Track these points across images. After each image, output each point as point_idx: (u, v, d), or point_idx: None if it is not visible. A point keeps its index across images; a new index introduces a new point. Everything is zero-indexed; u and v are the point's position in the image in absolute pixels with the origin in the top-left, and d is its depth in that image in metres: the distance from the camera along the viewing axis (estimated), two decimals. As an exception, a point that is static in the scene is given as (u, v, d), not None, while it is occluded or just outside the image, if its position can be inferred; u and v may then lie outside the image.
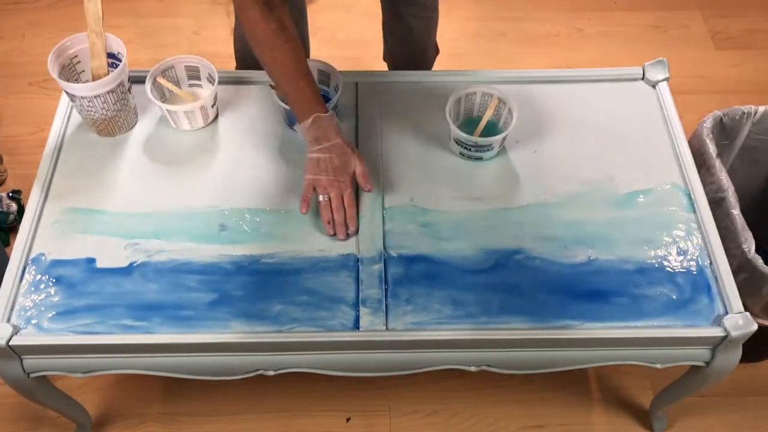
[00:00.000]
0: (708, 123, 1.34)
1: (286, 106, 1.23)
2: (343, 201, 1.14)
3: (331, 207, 1.14)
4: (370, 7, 2.21)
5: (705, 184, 1.23)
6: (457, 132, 1.20)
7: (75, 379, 1.40)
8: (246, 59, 1.51)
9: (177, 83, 1.30)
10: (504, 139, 1.22)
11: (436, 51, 1.65)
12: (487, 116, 1.25)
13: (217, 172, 1.23)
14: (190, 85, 1.31)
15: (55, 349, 1.05)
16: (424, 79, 1.37)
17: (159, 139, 1.27)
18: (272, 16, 1.08)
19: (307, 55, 1.57)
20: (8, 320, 1.05)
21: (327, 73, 1.29)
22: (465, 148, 1.22)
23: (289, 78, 1.12)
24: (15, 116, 1.93)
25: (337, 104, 1.26)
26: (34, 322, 1.06)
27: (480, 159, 1.24)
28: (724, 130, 1.39)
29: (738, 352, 1.10)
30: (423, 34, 1.56)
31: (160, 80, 1.26)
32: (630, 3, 2.25)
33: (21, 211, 1.70)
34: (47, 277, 1.10)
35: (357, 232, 1.15)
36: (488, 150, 1.23)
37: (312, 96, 1.12)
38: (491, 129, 1.25)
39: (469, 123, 1.26)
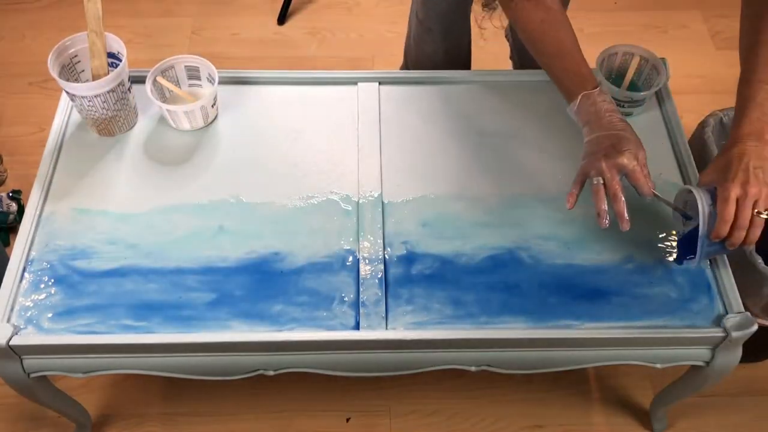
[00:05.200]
0: (708, 123, 1.34)
1: None
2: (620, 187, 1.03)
3: (606, 194, 1.04)
4: (370, 7, 2.22)
5: (705, 184, 1.23)
6: (610, 87, 1.24)
7: (75, 379, 1.40)
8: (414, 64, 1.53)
9: (177, 83, 1.30)
10: (653, 94, 1.29)
11: None
12: (631, 73, 1.29)
13: (217, 172, 1.23)
14: (190, 85, 1.31)
15: (55, 349, 1.05)
16: (423, 78, 1.37)
17: (159, 139, 1.27)
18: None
19: (468, 66, 1.58)
20: (8, 320, 1.05)
21: None
22: (617, 104, 1.22)
23: (551, 55, 1.09)
24: (15, 116, 1.93)
25: None
26: (34, 322, 1.06)
27: (630, 114, 1.28)
28: (724, 130, 1.39)
29: (738, 352, 1.10)
30: None
31: (160, 80, 1.26)
32: (630, 3, 2.25)
33: (21, 211, 1.70)
34: (47, 277, 1.10)
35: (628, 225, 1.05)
36: (639, 105, 1.28)
37: (575, 73, 1.08)
38: (632, 87, 1.29)
39: (611, 83, 1.29)
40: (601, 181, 1.04)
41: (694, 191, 1.04)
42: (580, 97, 1.09)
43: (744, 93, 1.04)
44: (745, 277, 1.21)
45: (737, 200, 0.99)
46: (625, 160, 1.03)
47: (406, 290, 1.10)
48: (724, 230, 1.00)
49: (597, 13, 2.21)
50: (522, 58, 1.67)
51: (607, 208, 1.05)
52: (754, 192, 0.99)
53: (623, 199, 1.04)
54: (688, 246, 1.07)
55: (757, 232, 1.00)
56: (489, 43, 2.10)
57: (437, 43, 1.50)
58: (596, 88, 1.09)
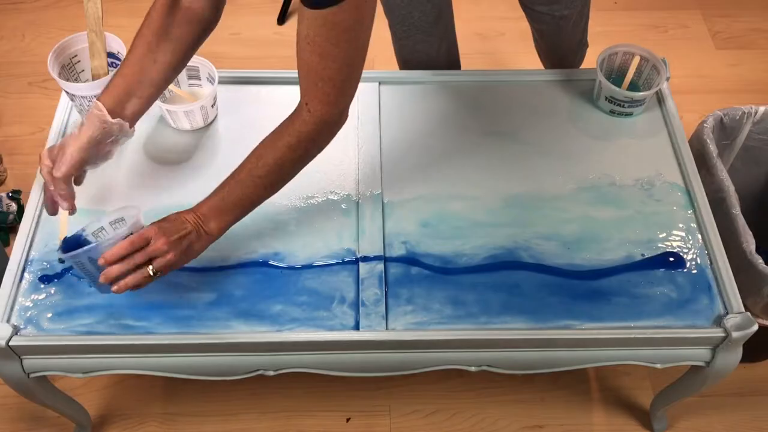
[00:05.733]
0: (708, 123, 1.34)
1: None
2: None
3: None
4: (370, 7, 2.21)
5: (705, 184, 1.23)
6: (610, 87, 1.26)
7: (75, 379, 1.40)
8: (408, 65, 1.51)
9: (177, 83, 1.30)
10: (654, 94, 1.31)
11: (585, 45, 1.61)
12: (631, 73, 1.30)
13: (216, 172, 1.22)
14: (190, 85, 1.31)
15: (55, 349, 1.05)
16: (423, 78, 1.37)
17: (159, 139, 1.27)
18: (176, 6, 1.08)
19: (457, 66, 1.55)
20: (8, 320, 1.05)
21: None
22: (617, 104, 1.28)
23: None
24: (15, 116, 1.93)
25: None
26: (34, 322, 1.06)
27: (630, 114, 1.29)
28: (725, 130, 1.39)
29: (738, 352, 1.10)
30: (559, 32, 1.50)
31: (160, 80, 1.26)
32: (630, 3, 2.25)
33: (21, 211, 1.70)
34: (47, 277, 1.10)
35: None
36: (640, 105, 1.29)
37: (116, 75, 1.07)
38: (632, 87, 1.31)
39: (611, 83, 1.29)
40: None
41: (132, 211, 1.03)
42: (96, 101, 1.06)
43: (226, 179, 1.03)
44: (745, 277, 1.21)
45: (144, 243, 0.96)
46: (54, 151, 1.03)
47: (406, 290, 1.10)
48: (112, 256, 0.95)
49: (597, 13, 2.20)
50: (543, 55, 1.64)
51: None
52: (159, 248, 0.96)
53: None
54: (72, 243, 1.01)
55: (136, 280, 0.96)
56: (488, 42, 2.11)
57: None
58: (98, 99, 1.06)
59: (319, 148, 1.03)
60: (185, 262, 1.01)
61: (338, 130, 1.02)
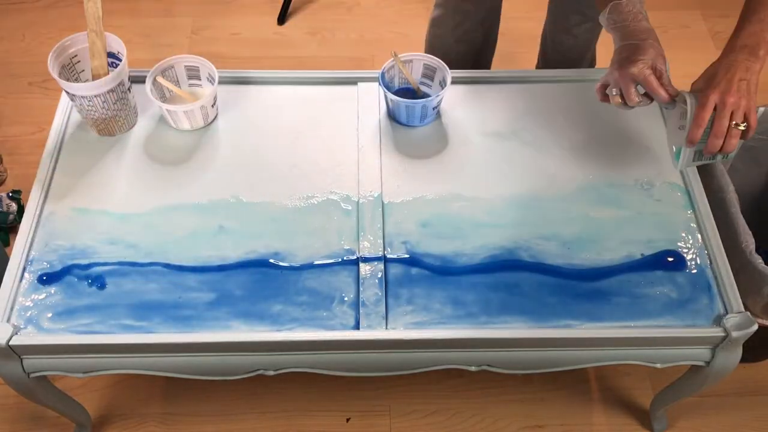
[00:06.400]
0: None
1: (393, 97, 1.23)
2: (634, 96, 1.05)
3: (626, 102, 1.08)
4: (370, 7, 2.22)
5: (705, 184, 1.23)
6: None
7: (75, 379, 1.40)
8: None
9: (177, 83, 1.30)
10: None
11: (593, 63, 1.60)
12: None
13: (216, 172, 1.23)
14: (190, 85, 1.31)
15: (55, 349, 1.05)
16: (424, 79, 1.37)
17: (159, 139, 1.27)
18: None
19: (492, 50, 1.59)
20: (8, 320, 1.05)
21: (433, 68, 1.28)
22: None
23: None
24: (15, 116, 1.93)
25: (438, 105, 1.26)
26: (34, 322, 1.06)
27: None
28: (724, 130, 1.39)
29: (738, 352, 1.10)
30: (587, 44, 1.52)
31: (160, 80, 1.26)
32: (630, 3, 2.24)
33: (21, 211, 1.70)
34: (47, 277, 1.10)
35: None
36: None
37: None
38: None
39: None
40: (616, 92, 1.08)
41: (686, 96, 1.04)
42: (609, 6, 1.08)
43: (749, 4, 1.03)
44: (745, 277, 1.21)
45: (715, 108, 0.99)
46: (636, 70, 1.04)
47: (406, 290, 1.10)
48: (697, 134, 1.00)
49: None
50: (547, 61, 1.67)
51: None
52: (732, 101, 0.98)
53: (637, 104, 1.07)
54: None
55: (733, 143, 1.00)
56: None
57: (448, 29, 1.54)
58: None
59: None
60: (754, 98, 1.00)
61: None
